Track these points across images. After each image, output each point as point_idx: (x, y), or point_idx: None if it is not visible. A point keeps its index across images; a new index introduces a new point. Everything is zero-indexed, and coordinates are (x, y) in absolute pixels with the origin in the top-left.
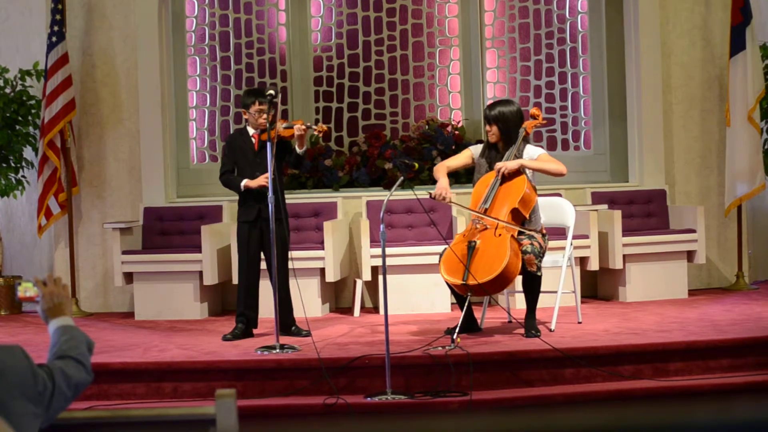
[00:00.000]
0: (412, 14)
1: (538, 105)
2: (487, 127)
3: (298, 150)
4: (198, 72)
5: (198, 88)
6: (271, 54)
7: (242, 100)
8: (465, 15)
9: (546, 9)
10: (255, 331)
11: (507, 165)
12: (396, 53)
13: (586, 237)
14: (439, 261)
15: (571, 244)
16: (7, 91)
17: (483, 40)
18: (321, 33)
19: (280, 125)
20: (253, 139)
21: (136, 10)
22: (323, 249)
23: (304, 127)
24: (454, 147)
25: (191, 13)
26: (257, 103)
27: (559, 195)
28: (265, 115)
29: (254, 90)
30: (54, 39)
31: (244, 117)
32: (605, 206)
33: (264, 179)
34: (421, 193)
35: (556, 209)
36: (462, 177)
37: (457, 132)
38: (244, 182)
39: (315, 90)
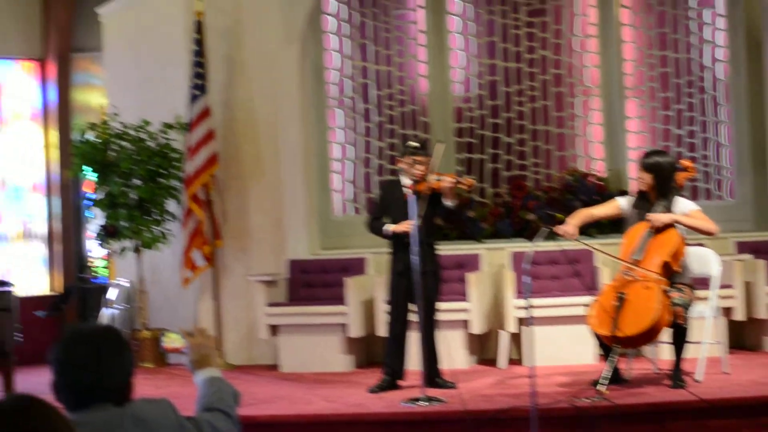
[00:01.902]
0: (553, 65)
1: (680, 155)
2: (641, 175)
3: (448, 203)
4: (340, 124)
5: (340, 140)
6: (413, 105)
7: (399, 149)
8: (605, 65)
9: (686, 58)
10: (401, 383)
11: (661, 218)
12: (537, 104)
13: (731, 287)
14: (588, 312)
15: (716, 295)
16: (150, 144)
17: (623, 90)
18: (462, 84)
19: (432, 177)
20: (405, 189)
21: (277, 63)
22: (468, 301)
23: (453, 180)
24: (596, 197)
25: (332, 66)
26: (413, 154)
27: (702, 245)
28: (419, 166)
29: (412, 142)
30: (196, 92)
31: (399, 166)
32: (750, 256)
33: (407, 225)
34: (565, 243)
35: (700, 259)
36: (605, 227)
37: (599, 182)
38: (389, 227)
39: (457, 141)
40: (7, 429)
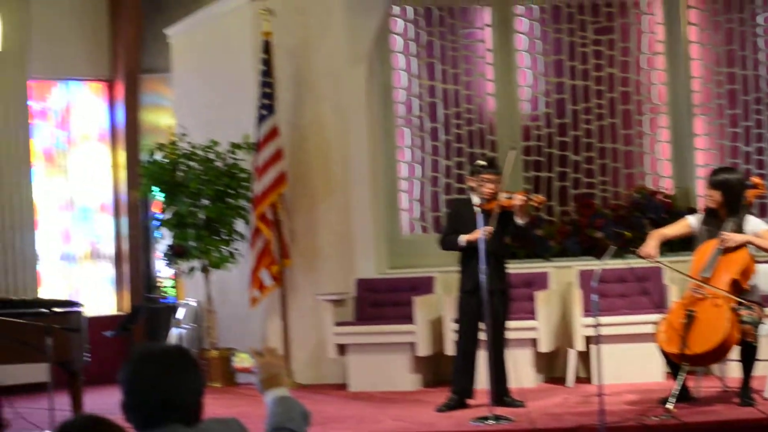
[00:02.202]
0: (621, 82)
1: (748, 172)
2: (709, 192)
3: (518, 221)
4: (407, 143)
5: (407, 159)
6: (480, 124)
7: (470, 169)
8: (673, 82)
9: (753, 75)
10: (469, 402)
11: (734, 238)
12: (605, 121)
13: None
14: (656, 330)
15: None
16: (218, 164)
17: (691, 107)
18: (529, 102)
19: (502, 196)
20: (476, 208)
21: (345, 82)
22: (536, 319)
23: (524, 198)
24: (665, 215)
25: (400, 85)
26: (484, 172)
27: None
28: (489, 185)
29: (483, 159)
30: (264, 112)
31: (470, 185)
32: None
33: (480, 232)
34: (633, 261)
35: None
36: (675, 245)
37: (667, 200)
38: (462, 237)
39: (524, 159)
40: None
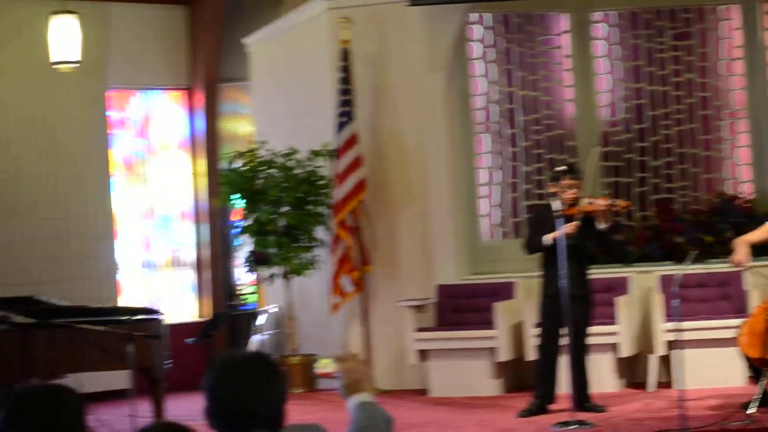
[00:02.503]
0: (699, 88)
1: None
2: None
3: (600, 226)
4: (486, 149)
5: (486, 165)
6: (559, 130)
7: (551, 174)
8: (751, 87)
9: None
10: (551, 407)
11: None
12: (684, 127)
13: None
14: (738, 334)
15: None
16: (298, 171)
17: None
18: (608, 108)
19: (584, 201)
20: (557, 214)
21: (423, 89)
22: (616, 324)
23: (607, 203)
24: (744, 220)
25: (478, 92)
26: (566, 178)
27: None
28: (572, 191)
29: (563, 165)
30: (343, 119)
31: (551, 191)
32: None
33: (567, 227)
34: (714, 266)
35: None
36: (758, 249)
37: (747, 204)
38: (546, 237)
39: (604, 165)
40: None
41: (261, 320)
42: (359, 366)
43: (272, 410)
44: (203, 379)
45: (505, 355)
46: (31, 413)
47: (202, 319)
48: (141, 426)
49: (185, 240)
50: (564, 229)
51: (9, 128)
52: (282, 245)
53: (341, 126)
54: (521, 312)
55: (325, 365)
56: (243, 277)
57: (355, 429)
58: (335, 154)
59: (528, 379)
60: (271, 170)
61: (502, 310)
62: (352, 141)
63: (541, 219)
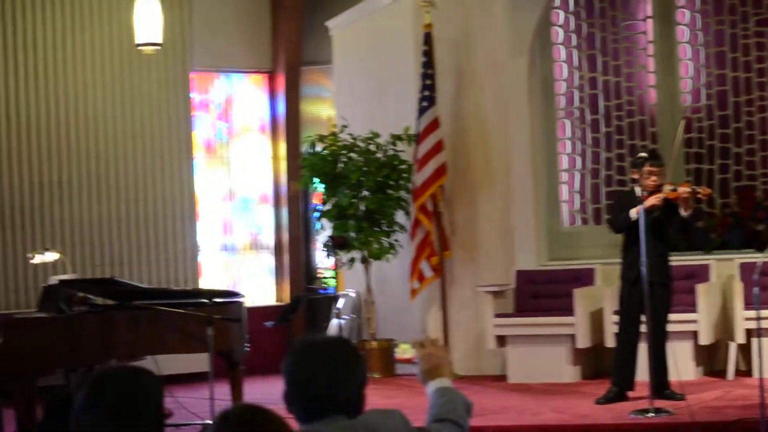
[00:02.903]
0: None
1: None
2: None
3: (683, 213)
4: (568, 135)
5: (568, 151)
6: (641, 116)
7: (633, 161)
8: None
9: None
10: (629, 394)
11: None
12: (767, 113)
13: None
14: None
15: None
16: (379, 155)
17: None
18: (691, 95)
19: (667, 188)
20: (640, 199)
21: (506, 74)
22: (696, 312)
23: (689, 190)
24: None
25: (560, 77)
26: (648, 164)
27: None
28: (654, 177)
29: (648, 152)
30: (425, 104)
31: (633, 177)
32: None
33: (652, 199)
34: None
35: None
36: None
37: None
38: (632, 211)
39: (685, 152)
40: None
41: (340, 304)
42: (439, 351)
43: (351, 395)
44: (283, 363)
45: (583, 341)
46: (109, 395)
47: (280, 303)
48: (220, 409)
49: (265, 223)
50: (648, 201)
51: (94, 110)
52: (362, 229)
53: (423, 110)
54: (600, 299)
55: (404, 350)
56: (322, 261)
57: (435, 414)
58: (416, 138)
59: (606, 366)
60: (352, 154)
61: (581, 297)
62: (433, 125)
63: (625, 203)
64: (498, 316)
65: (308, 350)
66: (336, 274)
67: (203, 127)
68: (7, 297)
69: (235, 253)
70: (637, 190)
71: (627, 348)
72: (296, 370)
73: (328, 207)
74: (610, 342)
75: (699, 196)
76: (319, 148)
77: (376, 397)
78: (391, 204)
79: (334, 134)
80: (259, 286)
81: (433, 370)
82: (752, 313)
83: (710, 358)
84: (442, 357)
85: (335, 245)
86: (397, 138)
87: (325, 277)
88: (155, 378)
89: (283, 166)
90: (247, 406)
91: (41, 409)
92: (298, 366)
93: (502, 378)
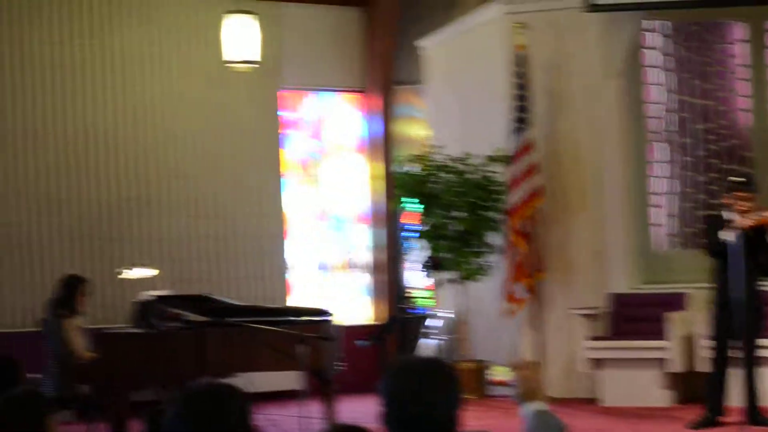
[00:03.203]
0: None
1: None
2: None
3: None
4: (660, 158)
5: (659, 174)
6: (735, 140)
7: (725, 185)
8: None
9: None
10: (721, 420)
11: None
12: None
13: None
14: None
15: None
16: (472, 176)
17: None
18: None
19: (759, 214)
20: (731, 225)
21: (598, 96)
22: None
23: None
24: None
25: (652, 99)
26: (739, 190)
27: None
28: (745, 202)
29: (738, 176)
30: (518, 125)
31: (725, 202)
32: None
33: (744, 221)
34: None
35: None
36: None
37: None
38: (723, 233)
39: None
40: None
41: (433, 325)
42: (535, 374)
43: (447, 416)
44: (379, 383)
45: (676, 366)
46: (197, 411)
47: (374, 322)
48: (310, 427)
49: (359, 242)
50: (740, 222)
51: (184, 127)
52: (454, 250)
53: (516, 132)
54: (693, 323)
55: (498, 372)
56: (414, 280)
57: None
58: (510, 159)
59: (699, 391)
60: (444, 174)
61: (674, 321)
62: (527, 147)
63: (716, 227)
64: (591, 339)
65: (405, 370)
66: (430, 293)
67: (295, 146)
68: (96, 312)
69: (329, 271)
70: (727, 215)
71: (718, 373)
72: (393, 390)
73: (424, 227)
74: (702, 367)
75: None
76: (411, 167)
77: (469, 419)
78: (484, 225)
79: (427, 154)
80: (352, 305)
81: (529, 393)
82: None
83: None
84: (538, 380)
85: (432, 265)
86: (490, 159)
87: (417, 297)
88: (243, 395)
89: (376, 185)
90: (348, 427)
91: (137, 423)
92: (396, 386)
93: (593, 401)
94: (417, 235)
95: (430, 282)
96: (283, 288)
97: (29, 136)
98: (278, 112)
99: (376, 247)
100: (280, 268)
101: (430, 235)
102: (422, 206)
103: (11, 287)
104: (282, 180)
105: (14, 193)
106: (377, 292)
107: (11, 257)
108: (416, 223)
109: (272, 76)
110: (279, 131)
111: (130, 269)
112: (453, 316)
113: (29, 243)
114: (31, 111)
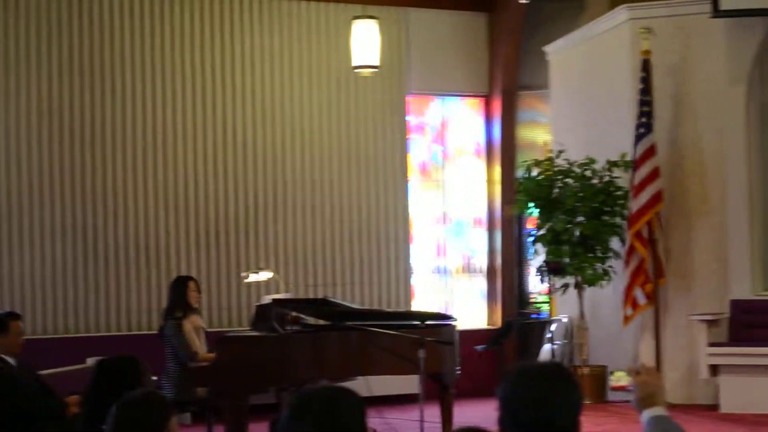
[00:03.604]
0: None
1: None
2: None
3: None
4: None
5: None
6: None
7: None
8: None
9: None
10: None
11: None
12: None
13: None
14: None
15: None
16: (595, 181)
17: None
18: None
19: None
20: None
21: (723, 102)
22: None
23: None
24: None
25: None
26: None
27: None
28: None
29: None
30: (642, 130)
31: None
32: None
33: None
34: None
35: None
36: None
37: None
38: None
39: None
40: None
41: (552, 329)
42: (654, 380)
43: (567, 421)
44: (498, 388)
45: None
46: (311, 414)
47: (491, 327)
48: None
49: (478, 246)
50: None
51: (310, 131)
52: (576, 255)
53: (640, 137)
54: None
55: (619, 378)
56: (535, 285)
57: None
58: (633, 165)
59: None
60: (567, 179)
61: None
62: (650, 152)
63: None
64: (711, 345)
65: (524, 375)
66: (549, 299)
67: (418, 150)
68: (219, 315)
69: (448, 275)
70: None
71: None
72: (512, 395)
73: (542, 232)
74: None
75: None
76: (534, 172)
77: (589, 424)
78: (606, 230)
79: (550, 159)
80: (470, 309)
81: (648, 398)
82: None
83: None
84: (658, 385)
85: (550, 270)
86: (613, 164)
87: (537, 302)
88: (358, 398)
89: (498, 190)
90: (469, 429)
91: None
92: (514, 391)
93: (713, 407)
94: (533, 239)
95: (549, 287)
96: (407, 292)
97: (158, 140)
98: (405, 117)
99: (493, 252)
100: (406, 272)
101: (548, 240)
102: (540, 211)
103: (137, 290)
104: (408, 184)
105: (143, 199)
106: (495, 297)
107: (137, 261)
108: (533, 227)
109: (400, 81)
110: (407, 136)
111: (256, 273)
112: (572, 321)
113: (157, 246)
114: (161, 117)
